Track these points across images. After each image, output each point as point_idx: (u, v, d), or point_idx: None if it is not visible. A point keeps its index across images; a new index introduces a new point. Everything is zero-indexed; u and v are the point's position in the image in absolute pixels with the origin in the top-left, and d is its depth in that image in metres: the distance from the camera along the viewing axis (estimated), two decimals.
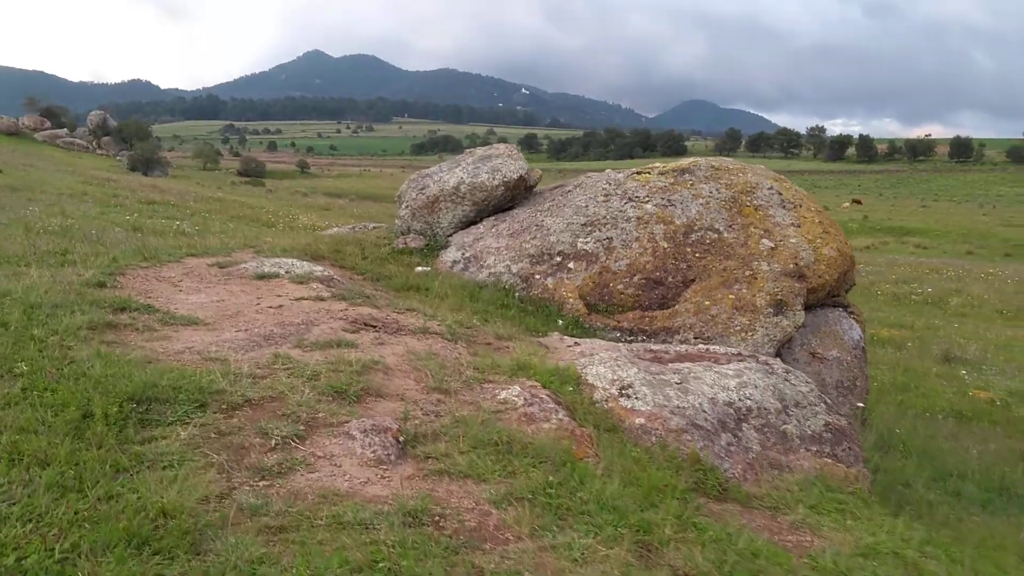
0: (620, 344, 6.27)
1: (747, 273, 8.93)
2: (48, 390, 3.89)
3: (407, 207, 10.59)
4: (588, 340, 6.67)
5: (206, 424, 3.80)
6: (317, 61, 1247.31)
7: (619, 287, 8.90)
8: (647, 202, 9.54)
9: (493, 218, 10.19)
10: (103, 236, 10.66)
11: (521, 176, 10.22)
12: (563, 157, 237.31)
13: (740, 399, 5.03)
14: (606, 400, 4.83)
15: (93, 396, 3.81)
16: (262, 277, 7.32)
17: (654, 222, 9.30)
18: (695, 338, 8.62)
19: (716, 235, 9.27)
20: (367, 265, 9.31)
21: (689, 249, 9.12)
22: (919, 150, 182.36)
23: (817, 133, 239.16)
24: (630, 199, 9.63)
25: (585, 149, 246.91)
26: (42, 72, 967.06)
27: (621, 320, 8.79)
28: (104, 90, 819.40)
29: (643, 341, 8.74)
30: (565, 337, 6.79)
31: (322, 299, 6.56)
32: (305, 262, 8.12)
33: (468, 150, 11.19)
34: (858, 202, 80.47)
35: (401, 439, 3.85)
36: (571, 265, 9.13)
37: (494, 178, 10.12)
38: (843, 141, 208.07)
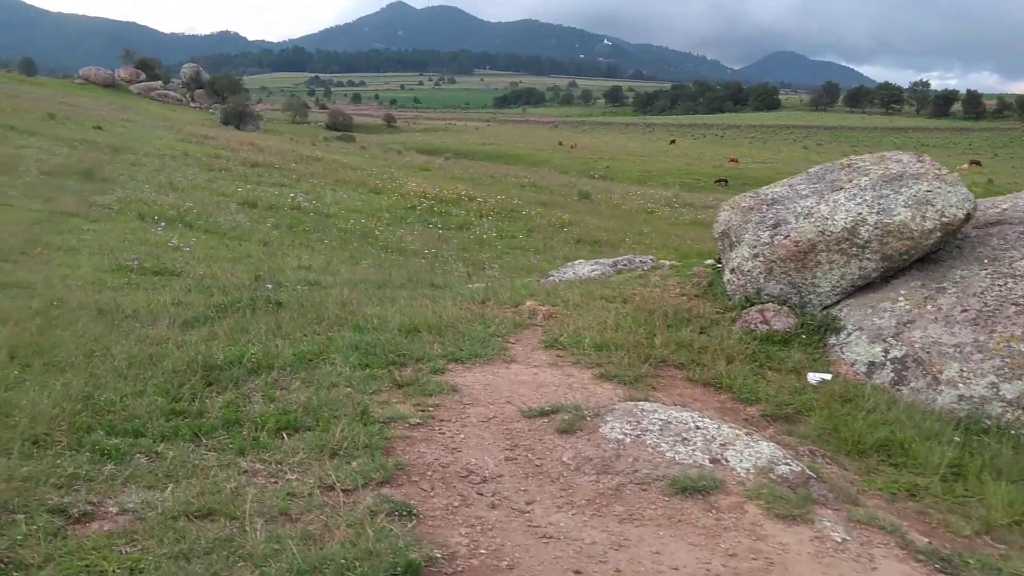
0: None
1: None
2: None
3: (759, 258, 6.51)
4: None
5: None
6: (400, 13, 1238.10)
7: None
8: None
9: (918, 282, 6.07)
10: (277, 293, 6.98)
11: (968, 214, 6.07)
12: (649, 111, 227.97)
13: None
14: None
15: None
16: (689, 491, 3.44)
17: None
18: None
19: None
20: (740, 378, 5.34)
21: None
22: None
23: (920, 88, 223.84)
24: None
25: (673, 103, 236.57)
26: (135, 23, 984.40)
27: None
28: (195, 41, 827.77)
29: None
30: None
31: None
32: (723, 425, 4.19)
33: (842, 163, 6.96)
34: (977, 163, 71.94)
35: None
36: None
37: (923, 217, 5.97)
38: (948, 97, 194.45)
